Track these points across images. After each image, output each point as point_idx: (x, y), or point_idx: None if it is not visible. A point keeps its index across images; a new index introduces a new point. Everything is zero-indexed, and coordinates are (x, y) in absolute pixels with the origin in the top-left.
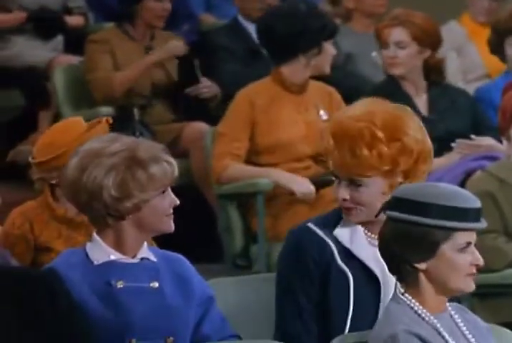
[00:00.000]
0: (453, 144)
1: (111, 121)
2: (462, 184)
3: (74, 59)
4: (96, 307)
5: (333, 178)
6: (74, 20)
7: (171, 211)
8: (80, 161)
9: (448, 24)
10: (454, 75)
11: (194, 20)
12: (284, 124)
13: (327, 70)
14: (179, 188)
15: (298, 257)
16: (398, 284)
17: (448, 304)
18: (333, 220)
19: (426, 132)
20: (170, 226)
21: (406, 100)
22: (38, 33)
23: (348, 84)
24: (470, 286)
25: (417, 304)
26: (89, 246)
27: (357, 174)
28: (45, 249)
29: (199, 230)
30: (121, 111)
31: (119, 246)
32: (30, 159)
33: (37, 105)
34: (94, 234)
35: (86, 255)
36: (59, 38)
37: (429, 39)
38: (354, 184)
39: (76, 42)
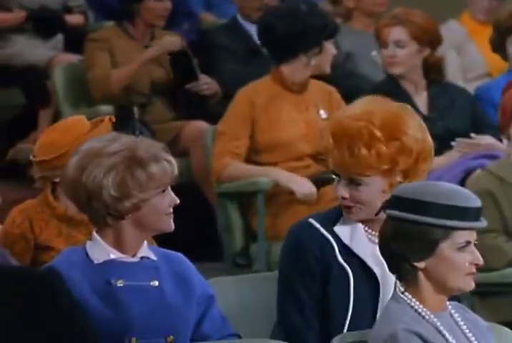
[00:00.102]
0: (452, 143)
1: (113, 119)
2: (462, 183)
3: (74, 58)
4: (97, 306)
5: (333, 176)
6: (73, 19)
7: (171, 210)
8: (80, 160)
9: (447, 23)
10: (454, 74)
11: (194, 19)
12: (284, 123)
13: (328, 70)
14: (179, 187)
15: (299, 253)
16: (398, 282)
17: (447, 302)
18: (333, 217)
19: (427, 131)
20: (170, 226)
21: (406, 99)
22: (39, 32)
23: (348, 83)
24: (470, 285)
25: (417, 302)
26: (89, 244)
27: (356, 173)
28: (45, 247)
29: (199, 229)
30: (121, 109)
31: (118, 245)
32: (31, 157)
33: (37, 103)
34: (94, 233)
35: (86, 254)
36: (59, 37)
37: (428, 38)
38: (353, 182)
39: (76, 41)
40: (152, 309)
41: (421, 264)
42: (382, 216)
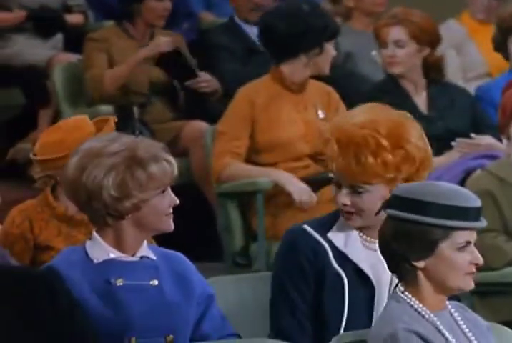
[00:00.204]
0: (452, 143)
1: (116, 120)
2: (461, 183)
3: (74, 58)
4: (96, 305)
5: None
6: (73, 18)
7: (171, 210)
8: (80, 160)
9: (447, 23)
10: (454, 73)
11: (194, 18)
12: (284, 123)
13: (327, 71)
14: (179, 187)
15: (293, 257)
16: (398, 282)
17: (447, 302)
18: (328, 223)
19: (426, 139)
20: (170, 226)
21: (405, 98)
22: (38, 32)
23: (348, 84)
24: (469, 285)
25: (416, 302)
26: (88, 244)
27: (361, 181)
28: (45, 247)
29: (199, 229)
30: (121, 109)
31: (118, 244)
32: (33, 157)
33: (37, 103)
34: (94, 233)
35: (86, 253)
36: (59, 37)
37: (428, 38)
38: (356, 190)
39: (75, 40)
40: (152, 309)
41: (421, 264)
42: (378, 223)
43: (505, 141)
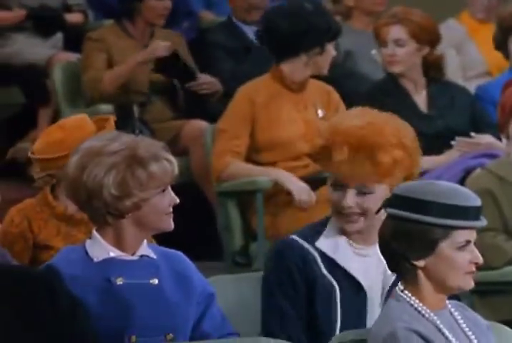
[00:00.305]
0: (452, 142)
1: (115, 119)
2: (461, 182)
3: (74, 57)
4: (96, 304)
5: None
6: (73, 17)
7: (171, 209)
8: (80, 159)
9: (447, 22)
10: (454, 72)
11: (194, 17)
12: (284, 122)
13: (326, 71)
14: (179, 186)
15: (282, 266)
16: (392, 286)
17: (447, 301)
18: (316, 232)
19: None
20: (170, 225)
21: (405, 97)
22: (38, 31)
23: (348, 83)
24: (469, 284)
25: (416, 301)
26: (88, 243)
27: (374, 180)
28: (44, 246)
29: (198, 228)
30: (121, 108)
31: (118, 243)
32: (32, 156)
33: (37, 102)
34: (94, 232)
35: (86, 252)
36: (59, 36)
37: (427, 36)
38: (363, 191)
39: (75, 40)
40: (152, 307)
41: (421, 263)
42: (375, 225)
43: (504, 140)
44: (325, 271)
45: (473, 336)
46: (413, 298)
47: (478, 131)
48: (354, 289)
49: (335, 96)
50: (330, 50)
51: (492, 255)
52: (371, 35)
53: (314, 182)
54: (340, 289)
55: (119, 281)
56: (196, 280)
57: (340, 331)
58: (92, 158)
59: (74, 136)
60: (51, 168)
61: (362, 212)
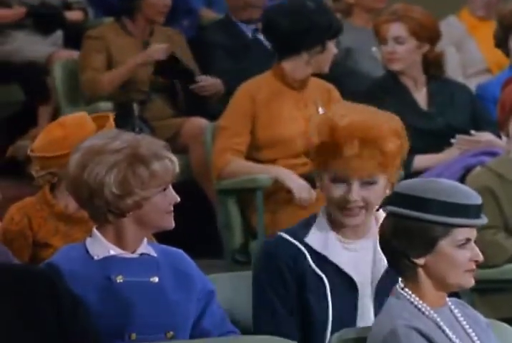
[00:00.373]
0: (452, 140)
1: (113, 117)
2: (461, 180)
3: (74, 54)
4: (96, 302)
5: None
6: (73, 15)
7: (172, 208)
8: (81, 157)
9: (447, 19)
10: (454, 70)
11: (194, 15)
12: (285, 120)
13: (327, 69)
14: (179, 184)
15: (272, 264)
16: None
17: (447, 299)
18: (304, 228)
19: None
20: (170, 223)
21: (405, 95)
22: (38, 29)
23: (348, 81)
24: (470, 282)
25: (416, 298)
26: (89, 241)
27: (380, 170)
28: (43, 245)
29: (198, 226)
30: (121, 106)
31: (119, 241)
32: (32, 154)
33: (37, 100)
34: (94, 230)
35: (86, 250)
36: (59, 34)
37: (427, 34)
38: (368, 182)
39: (75, 37)
40: (152, 305)
41: (421, 261)
42: (357, 221)
43: (504, 137)
44: (314, 266)
45: (473, 334)
46: (413, 295)
47: (478, 128)
48: (345, 284)
49: (336, 94)
50: (331, 48)
51: (492, 253)
52: (371, 32)
53: (314, 180)
54: (331, 284)
55: (120, 279)
56: (196, 278)
57: (332, 325)
58: (93, 156)
59: (75, 134)
60: (52, 166)
61: (365, 205)
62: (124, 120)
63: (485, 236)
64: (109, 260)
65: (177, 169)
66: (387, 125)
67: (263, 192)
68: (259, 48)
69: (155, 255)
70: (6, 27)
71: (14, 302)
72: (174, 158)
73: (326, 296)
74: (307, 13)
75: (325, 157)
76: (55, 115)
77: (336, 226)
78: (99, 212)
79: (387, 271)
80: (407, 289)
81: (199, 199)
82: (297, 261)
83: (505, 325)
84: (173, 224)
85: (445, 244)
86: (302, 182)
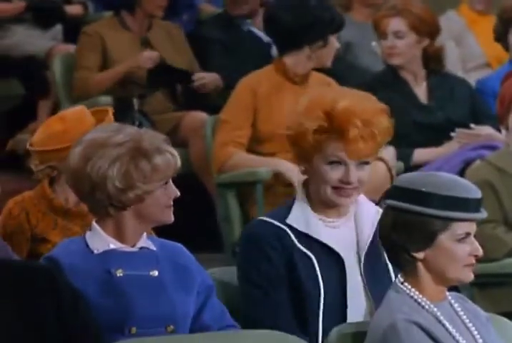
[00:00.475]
0: (452, 134)
1: (112, 111)
2: (461, 174)
3: (73, 48)
4: (96, 295)
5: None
6: (73, 9)
7: (171, 202)
8: (84, 150)
9: (446, 14)
10: (453, 64)
11: (194, 10)
12: (286, 114)
13: (329, 63)
14: (178, 177)
15: (257, 247)
16: (399, 273)
17: (447, 293)
18: (284, 212)
19: None
20: (170, 218)
21: (405, 89)
22: (38, 23)
23: (348, 75)
24: (469, 277)
25: (416, 292)
26: (88, 235)
27: (377, 150)
28: (41, 239)
29: (198, 219)
30: (121, 100)
31: (118, 235)
32: (31, 148)
33: (36, 94)
34: (94, 223)
35: (86, 244)
36: (58, 28)
37: (427, 28)
38: (363, 163)
39: (75, 31)
40: (152, 299)
41: (420, 255)
42: (351, 202)
43: (504, 131)
44: (300, 246)
45: (473, 328)
46: (413, 290)
47: (478, 122)
48: (332, 259)
49: (343, 88)
50: (333, 42)
51: (492, 247)
52: (371, 27)
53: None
54: (318, 261)
55: (119, 273)
56: (195, 272)
57: (324, 301)
58: (96, 149)
59: (74, 128)
60: (52, 160)
61: (360, 185)
62: (123, 114)
63: (484, 230)
64: (108, 254)
65: (179, 163)
66: (377, 104)
67: (263, 185)
68: (254, 43)
69: (154, 249)
70: (5, 21)
71: (14, 298)
72: (175, 152)
73: (316, 273)
74: (310, 8)
75: (322, 141)
76: (55, 109)
77: (318, 206)
78: (100, 206)
79: (372, 242)
80: (406, 284)
81: (199, 192)
82: (282, 242)
83: (505, 319)
84: (172, 219)
85: (444, 238)
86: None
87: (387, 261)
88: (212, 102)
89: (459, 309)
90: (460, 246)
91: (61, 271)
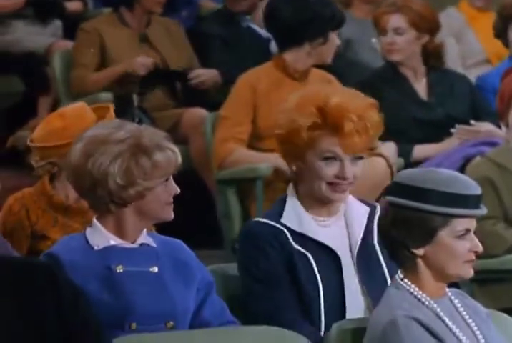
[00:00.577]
0: (452, 130)
1: (113, 108)
2: (461, 170)
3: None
4: (97, 291)
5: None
6: (72, 5)
7: (172, 199)
8: (85, 147)
9: (446, 10)
10: (453, 61)
11: (194, 6)
12: None
13: (329, 60)
14: (178, 174)
15: (256, 246)
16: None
17: (447, 289)
18: (277, 212)
19: None
20: (170, 215)
21: (405, 85)
22: (37, 17)
23: (348, 72)
24: (469, 273)
25: (416, 289)
26: (88, 231)
27: (370, 144)
28: (41, 236)
29: (198, 216)
30: (120, 97)
31: (119, 232)
32: (32, 144)
33: (37, 91)
34: (94, 220)
35: (86, 240)
36: (58, 24)
37: (427, 25)
38: (357, 158)
39: (75, 28)
40: (152, 295)
41: (420, 251)
42: (345, 197)
43: (504, 127)
44: (296, 245)
45: (473, 324)
46: (413, 286)
47: (478, 118)
48: (328, 258)
49: (336, 84)
50: (334, 39)
51: (492, 243)
52: (371, 23)
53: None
54: (315, 260)
55: (119, 269)
56: (195, 268)
57: (324, 299)
58: (98, 146)
59: (75, 124)
60: (52, 156)
61: (354, 180)
62: (123, 111)
63: (484, 227)
64: (109, 250)
65: (179, 160)
66: (366, 99)
67: (263, 181)
68: (253, 39)
69: (155, 245)
70: (5, 17)
71: (14, 295)
72: (176, 149)
73: (314, 272)
74: (310, 4)
75: (316, 137)
76: (55, 105)
77: (310, 205)
78: (101, 202)
79: (363, 239)
80: (406, 280)
81: (199, 189)
82: (280, 241)
83: (505, 315)
84: (172, 216)
85: (444, 235)
86: None
87: (380, 257)
88: (212, 98)
89: (459, 305)
90: (460, 243)
91: (61, 268)
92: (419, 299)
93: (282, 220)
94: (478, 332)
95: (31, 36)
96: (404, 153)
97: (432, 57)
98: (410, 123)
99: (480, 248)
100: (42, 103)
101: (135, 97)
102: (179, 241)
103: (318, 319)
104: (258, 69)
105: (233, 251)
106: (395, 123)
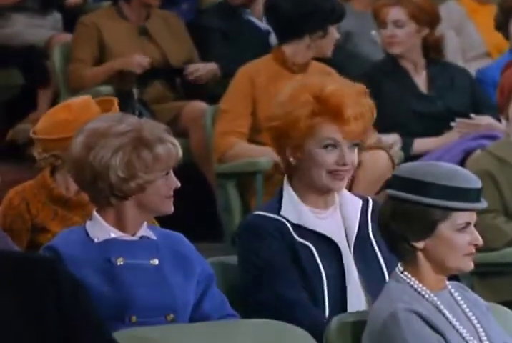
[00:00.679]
0: (452, 123)
1: (117, 101)
2: (461, 164)
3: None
4: (97, 284)
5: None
6: None
7: (172, 193)
8: (86, 139)
9: (446, 3)
10: (453, 54)
11: None
12: None
13: (329, 53)
14: (178, 167)
15: (258, 238)
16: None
17: (447, 282)
18: (275, 205)
19: None
20: (170, 208)
21: (405, 78)
22: (38, 10)
23: (348, 64)
24: (469, 266)
25: (416, 282)
26: (89, 224)
27: (367, 131)
28: (41, 229)
29: (198, 209)
30: (120, 90)
31: (119, 224)
32: (35, 136)
33: (36, 84)
34: (95, 213)
35: (86, 233)
36: (58, 17)
37: (427, 18)
38: (354, 145)
39: (74, 21)
40: (152, 288)
41: (420, 244)
42: (344, 185)
43: (504, 121)
44: (297, 237)
45: (473, 317)
46: (413, 279)
47: (478, 112)
48: (329, 248)
49: (335, 77)
50: (333, 33)
51: (492, 236)
52: (371, 16)
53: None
54: (317, 251)
55: (120, 262)
56: (195, 261)
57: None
58: (99, 139)
59: (80, 117)
60: (56, 149)
61: (352, 167)
62: (123, 103)
63: (484, 220)
64: (109, 243)
65: (180, 154)
66: (357, 86)
67: (263, 175)
68: (253, 32)
69: (155, 238)
70: (5, 10)
71: (14, 290)
72: (177, 142)
73: (317, 264)
74: None
75: (314, 126)
76: (55, 99)
77: (306, 197)
78: (102, 195)
79: (359, 228)
80: (406, 273)
81: (199, 182)
82: (282, 232)
83: (505, 308)
84: (172, 209)
85: (444, 228)
86: None
87: (376, 249)
88: (211, 91)
89: (459, 298)
90: (460, 236)
91: (61, 262)
92: (419, 292)
93: (282, 213)
94: (478, 325)
95: (30, 29)
96: (404, 146)
97: (432, 50)
98: (410, 117)
99: (480, 241)
100: (42, 97)
101: (135, 90)
102: (180, 234)
103: (322, 309)
104: (257, 62)
105: (233, 244)
106: (395, 117)
